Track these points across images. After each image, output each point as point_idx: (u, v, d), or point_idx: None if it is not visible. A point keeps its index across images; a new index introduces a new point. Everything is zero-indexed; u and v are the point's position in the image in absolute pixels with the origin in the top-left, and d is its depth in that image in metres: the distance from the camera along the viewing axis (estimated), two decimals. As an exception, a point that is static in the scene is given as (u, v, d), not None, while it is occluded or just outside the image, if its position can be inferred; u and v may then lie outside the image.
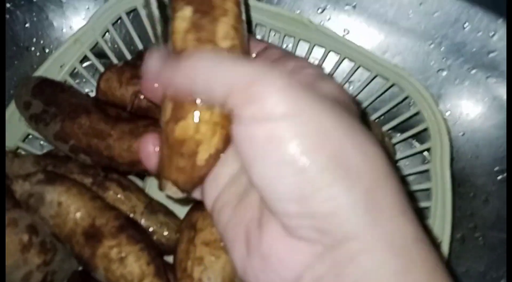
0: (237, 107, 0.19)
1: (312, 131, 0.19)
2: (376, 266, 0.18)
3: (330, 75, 0.24)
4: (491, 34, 0.45)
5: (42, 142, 0.47)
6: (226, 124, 0.22)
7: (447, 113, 0.46)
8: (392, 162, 0.19)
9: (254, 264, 0.21)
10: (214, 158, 0.22)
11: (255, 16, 0.44)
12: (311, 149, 0.18)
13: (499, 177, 0.44)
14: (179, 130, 0.22)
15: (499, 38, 0.44)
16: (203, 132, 0.21)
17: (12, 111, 0.43)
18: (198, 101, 0.21)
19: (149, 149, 0.24)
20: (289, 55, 0.25)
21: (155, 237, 0.36)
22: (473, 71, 0.46)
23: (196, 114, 0.21)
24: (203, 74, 0.20)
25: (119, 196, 0.37)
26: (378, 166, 0.19)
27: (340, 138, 0.19)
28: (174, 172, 0.23)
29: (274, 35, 0.47)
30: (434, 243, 0.20)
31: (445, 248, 0.39)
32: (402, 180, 0.20)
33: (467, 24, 0.45)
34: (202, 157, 0.22)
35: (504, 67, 0.45)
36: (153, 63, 0.22)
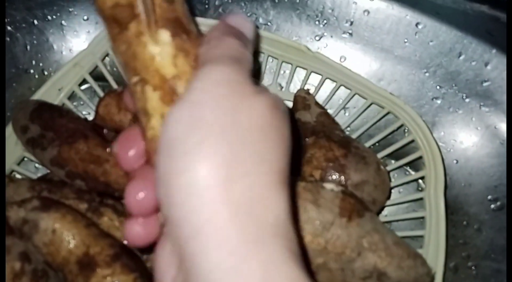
0: None
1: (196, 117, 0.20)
2: (213, 264, 0.18)
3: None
4: (485, 63, 0.45)
5: (36, 165, 0.47)
6: None
7: (441, 141, 0.47)
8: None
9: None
10: None
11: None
12: (186, 133, 0.20)
13: (492, 206, 0.44)
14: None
15: (492, 67, 0.45)
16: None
17: (8, 135, 0.43)
18: None
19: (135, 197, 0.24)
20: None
21: (149, 265, 0.36)
22: (467, 100, 0.46)
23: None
24: None
25: (113, 222, 0.37)
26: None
27: None
28: None
29: (272, 61, 0.48)
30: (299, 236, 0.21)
31: (438, 277, 0.39)
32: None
33: (461, 53, 0.46)
34: None
35: (497, 96, 0.46)
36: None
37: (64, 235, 0.32)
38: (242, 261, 0.18)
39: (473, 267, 0.43)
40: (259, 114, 0.20)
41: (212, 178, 0.19)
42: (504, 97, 0.45)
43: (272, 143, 0.20)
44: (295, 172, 0.21)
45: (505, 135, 0.45)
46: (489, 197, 0.44)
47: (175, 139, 0.20)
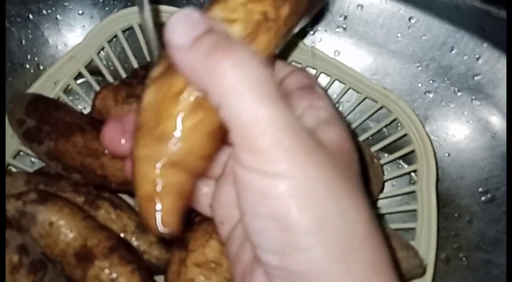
0: (239, 147, 0.19)
1: (304, 194, 0.19)
2: None
3: (340, 119, 0.24)
4: (476, 57, 0.46)
5: (33, 159, 0.47)
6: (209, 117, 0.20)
7: (433, 134, 0.48)
8: (375, 222, 0.21)
9: None
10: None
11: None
12: (299, 211, 0.19)
13: (482, 198, 0.45)
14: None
15: (484, 61, 0.46)
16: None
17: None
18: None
19: (114, 136, 0.23)
20: (310, 87, 0.24)
21: (145, 257, 0.37)
22: (459, 93, 0.47)
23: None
24: (226, 90, 0.19)
25: (110, 215, 0.37)
26: (359, 229, 0.20)
27: (328, 204, 0.20)
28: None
29: (266, 55, 0.48)
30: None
31: (429, 268, 0.40)
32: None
33: (453, 47, 0.46)
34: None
35: (489, 90, 0.46)
36: (179, 36, 0.19)
37: (62, 228, 0.32)
38: None
39: (464, 258, 0.44)
40: (363, 225, 0.20)
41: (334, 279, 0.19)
42: (495, 91, 0.46)
43: (378, 249, 0.21)
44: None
45: (496, 128, 0.46)
46: (480, 189, 0.45)
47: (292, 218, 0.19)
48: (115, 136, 0.24)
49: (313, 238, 0.19)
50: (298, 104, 0.23)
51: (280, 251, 0.20)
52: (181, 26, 0.20)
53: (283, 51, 0.44)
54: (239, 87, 0.19)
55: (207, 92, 0.19)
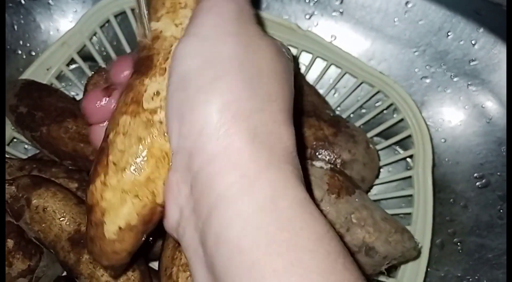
0: None
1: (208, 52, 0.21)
2: (227, 184, 0.19)
3: None
4: (472, 42, 0.46)
5: (26, 146, 0.47)
6: (143, 195, 0.20)
7: (430, 120, 0.47)
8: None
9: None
10: (130, 233, 0.20)
11: (243, 22, 0.44)
12: (199, 67, 0.21)
13: (477, 183, 0.45)
14: (89, 194, 0.20)
15: (480, 47, 0.46)
16: (107, 199, 0.19)
17: (-3, 114, 0.42)
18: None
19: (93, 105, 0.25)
20: None
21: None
22: (455, 79, 0.47)
23: (101, 178, 0.19)
24: None
25: (105, 201, 0.37)
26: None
27: None
28: (88, 242, 0.21)
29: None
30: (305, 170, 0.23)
31: (425, 253, 0.40)
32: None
33: (450, 32, 0.46)
34: (109, 228, 0.20)
35: (485, 75, 0.46)
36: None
37: (55, 213, 0.32)
38: (253, 181, 0.19)
39: (458, 243, 0.44)
40: (268, 57, 0.21)
41: (227, 112, 0.20)
42: (491, 77, 0.46)
43: (281, 85, 0.22)
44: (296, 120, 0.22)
45: (491, 114, 0.46)
46: (475, 175, 0.45)
47: (188, 73, 0.20)
48: (94, 100, 0.25)
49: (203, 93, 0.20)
50: None
51: (179, 115, 0.21)
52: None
53: (277, 36, 0.44)
54: None
55: None
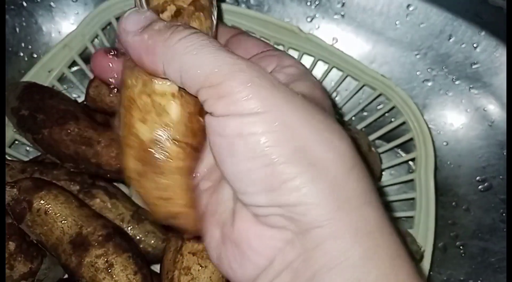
0: (209, 100, 0.20)
1: (279, 127, 0.20)
2: (341, 252, 0.19)
3: (310, 74, 0.24)
4: (474, 46, 0.46)
5: (28, 148, 0.47)
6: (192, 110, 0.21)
7: (431, 123, 0.47)
8: (358, 155, 0.21)
9: (227, 251, 0.22)
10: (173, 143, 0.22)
11: (245, 24, 0.45)
12: (277, 144, 0.19)
13: (479, 186, 0.45)
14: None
15: (481, 50, 0.46)
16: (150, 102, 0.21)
17: (-2, 117, 0.42)
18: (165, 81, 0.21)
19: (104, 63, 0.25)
20: (273, 50, 0.25)
21: (141, 246, 0.36)
22: (457, 82, 0.47)
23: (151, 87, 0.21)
24: (181, 57, 0.20)
25: (106, 204, 0.37)
26: (345, 159, 0.20)
27: (306, 133, 0.20)
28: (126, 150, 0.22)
29: (263, 43, 0.48)
30: (399, 232, 0.21)
31: (427, 256, 0.40)
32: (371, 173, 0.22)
33: (451, 35, 0.46)
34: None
35: (486, 79, 0.46)
36: (132, 25, 0.22)
37: (57, 215, 0.32)
38: (370, 249, 0.20)
39: (461, 247, 0.44)
40: (348, 155, 0.21)
41: (326, 207, 0.20)
42: (493, 80, 0.46)
43: (365, 179, 0.21)
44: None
45: (493, 117, 0.46)
46: (478, 178, 0.45)
47: (264, 150, 0.20)
48: (103, 61, 0.25)
49: (295, 167, 0.19)
50: (267, 65, 0.24)
51: (266, 188, 0.20)
52: (132, 18, 0.22)
53: (279, 38, 0.44)
54: (194, 46, 0.20)
55: (165, 68, 0.21)
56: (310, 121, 0.20)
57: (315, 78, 0.24)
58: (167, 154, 0.22)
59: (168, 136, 0.22)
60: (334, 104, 0.46)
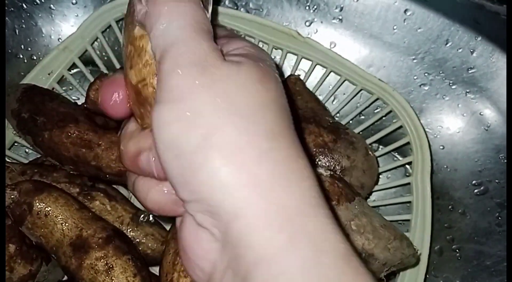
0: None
1: (186, 114, 0.19)
2: (262, 244, 0.18)
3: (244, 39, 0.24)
4: (471, 50, 0.46)
5: (27, 150, 0.47)
6: None
7: (428, 127, 0.48)
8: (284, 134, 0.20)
9: (182, 258, 0.22)
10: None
11: (244, 28, 0.45)
12: (184, 132, 0.19)
13: (475, 190, 0.45)
14: None
15: (478, 55, 0.46)
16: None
17: (-2, 119, 0.42)
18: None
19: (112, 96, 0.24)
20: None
21: (140, 248, 0.37)
22: (454, 86, 0.47)
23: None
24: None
25: (105, 206, 0.37)
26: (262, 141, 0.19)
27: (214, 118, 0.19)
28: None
29: (263, 46, 0.48)
30: (333, 210, 0.20)
31: (423, 259, 0.40)
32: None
33: (448, 40, 0.47)
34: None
35: (483, 83, 0.46)
36: None
37: (57, 218, 0.32)
38: (292, 237, 0.18)
39: (457, 250, 0.45)
40: (251, 91, 0.20)
41: (232, 165, 0.18)
42: (489, 85, 0.46)
43: (275, 116, 0.20)
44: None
45: (489, 121, 0.46)
46: (474, 182, 0.46)
47: (174, 140, 0.19)
48: (109, 93, 0.24)
49: (204, 153, 0.19)
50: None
51: (183, 181, 0.19)
52: None
53: (277, 42, 0.44)
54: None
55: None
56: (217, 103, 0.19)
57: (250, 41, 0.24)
58: (153, 89, 0.22)
59: (150, 73, 0.22)
60: (331, 108, 0.47)
